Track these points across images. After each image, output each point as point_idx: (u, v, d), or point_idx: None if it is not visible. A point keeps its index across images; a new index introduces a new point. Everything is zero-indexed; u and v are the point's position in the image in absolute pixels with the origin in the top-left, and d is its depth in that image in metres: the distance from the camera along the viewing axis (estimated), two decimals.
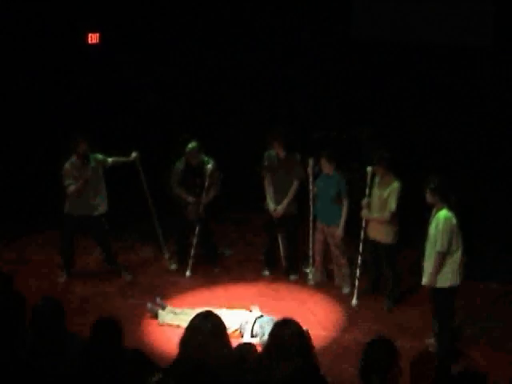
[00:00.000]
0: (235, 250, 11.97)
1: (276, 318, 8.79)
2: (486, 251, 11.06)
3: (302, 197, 10.64)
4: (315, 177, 10.41)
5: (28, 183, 12.74)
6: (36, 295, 9.21)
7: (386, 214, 9.48)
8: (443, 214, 8.14)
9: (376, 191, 9.63)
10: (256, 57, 13.68)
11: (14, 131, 12.90)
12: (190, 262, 11.01)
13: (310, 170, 10.41)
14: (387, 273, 9.83)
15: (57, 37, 13.00)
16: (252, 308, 9.39)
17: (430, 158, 12.28)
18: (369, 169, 9.67)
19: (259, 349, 5.46)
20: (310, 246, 10.61)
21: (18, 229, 12.47)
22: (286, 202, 10.59)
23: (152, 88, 14.07)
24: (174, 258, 11.36)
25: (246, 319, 9.09)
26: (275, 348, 4.86)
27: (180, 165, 10.95)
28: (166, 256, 11.48)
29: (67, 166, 10.36)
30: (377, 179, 9.66)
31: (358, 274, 9.96)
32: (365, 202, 9.69)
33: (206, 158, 10.92)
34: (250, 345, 5.54)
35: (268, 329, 8.59)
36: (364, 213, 9.74)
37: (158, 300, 9.71)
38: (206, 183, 10.84)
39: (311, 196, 10.49)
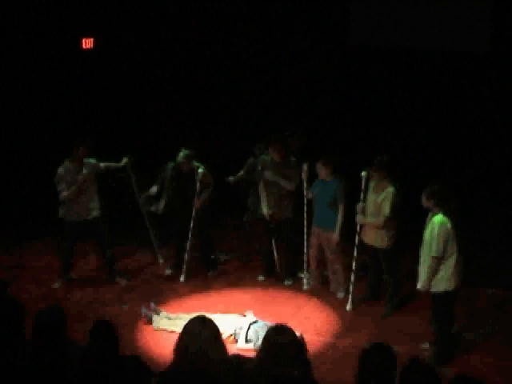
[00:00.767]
0: (233, 256, 11.95)
1: (271, 323, 8.80)
2: (486, 257, 11.03)
3: (298, 202, 10.63)
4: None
5: (26, 189, 12.72)
6: (34, 301, 9.31)
7: (380, 219, 9.46)
8: (438, 218, 8.13)
9: (371, 196, 9.61)
10: (254, 62, 13.69)
11: (11, 137, 12.89)
12: (184, 267, 10.99)
13: (304, 175, 10.40)
14: (387, 279, 9.79)
15: (51, 42, 13.00)
16: (246, 313, 9.36)
17: (427, 163, 12.27)
18: (363, 173, 9.65)
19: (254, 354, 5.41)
20: (305, 250, 10.60)
21: (16, 235, 12.45)
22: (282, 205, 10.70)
23: (146, 93, 14.05)
24: (170, 263, 11.32)
25: (241, 324, 9.06)
26: (270, 356, 4.81)
27: (169, 169, 10.89)
28: (161, 261, 11.47)
29: (61, 170, 10.32)
30: (372, 184, 9.64)
31: (352, 279, 9.94)
32: (359, 206, 9.67)
33: (197, 164, 10.86)
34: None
35: (262, 334, 8.55)
36: (358, 218, 9.72)
37: (153, 305, 9.68)
38: (197, 187, 10.79)
39: (305, 201, 10.49)
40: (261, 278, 11.08)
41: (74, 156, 10.29)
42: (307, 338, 5.35)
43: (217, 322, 8.46)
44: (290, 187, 10.55)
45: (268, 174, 10.60)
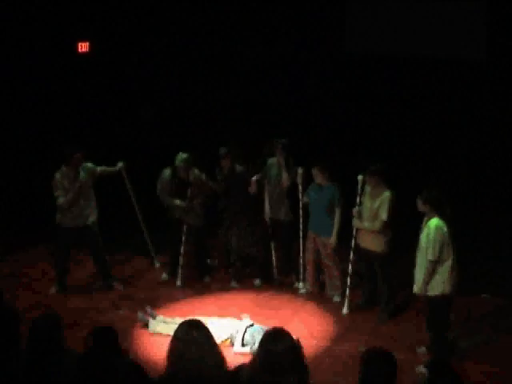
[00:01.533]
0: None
1: (267, 327, 8.80)
2: (481, 264, 11.02)
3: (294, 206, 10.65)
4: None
5: (21, 196, 12.70)
6: (29, 309, 9.29)
7: (377, 224, 9.46)
8: (434, 222, 8.14)
9: (367, 201, 9.60)
10: (250, 70, 13.70)
11: (5, 142, 12.87)
12: (180, 271, 10.99)
13: (299, 180, 10.41)
14: (381, 285, 9.79)
15: (47, 45, 12.99)
16: (243, 317, 9.36)
17: (422, 169, 12.29)
18: (360, 177, 9.64)
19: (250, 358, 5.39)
20: (301, 255, 10.60)
21: (11, 242, 12.41)
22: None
23: (142, 97, 14.05)
24: (166, 269, 11.31)
25: (237, 328, 9.06)
26: (266, 363, 4.75)
27: (167, 173, 10.84)
28: (157, 265, 11.46)
29: (57, 176, 10.28)
30: (368, 188, 9.63)
31: (348, 282, 9.94)
32: (355, 210, 9.67)
33: (196, 172, 10.85)
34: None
35: (259, 338, 8.54)
36: (355, 222, 9.71)
37: (149, 309, 9.67)
38: (189, 190, 10.78)
39: (301, 205, 10.49)
40: (257, 282, 11.07)
41: (70, 162, 10.27)
42: (303, 342, 5.32)
43: (213, 326, 8.46)
44: (287, 181, 10.53)
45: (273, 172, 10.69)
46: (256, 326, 9.09)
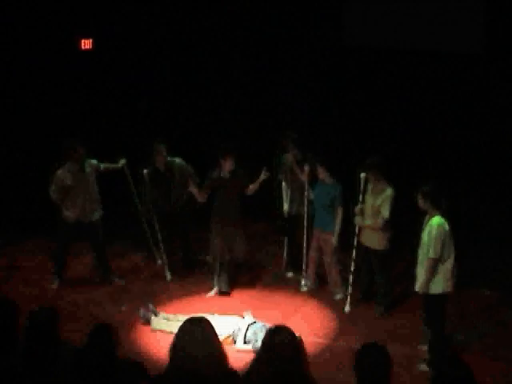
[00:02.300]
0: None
1: (269, 324, 8.82)
2: (479, 258, 11.04)
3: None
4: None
5: (19, 189, 12.71)
6: (27, 302, 9.28)
7: (379, 222, 9.48)
8: (436, 220, 8.14)
9: (369, 198, 9.63)
10: (248, 63, 13.69)
11: (6, 137, 12.89)
12: (166, 265, 11.14)
13: (305, 176, 10.43)
14: (379, 280, 9.82)
15: (50, 43, 13.00)
16: (245, 314, 9.38)
17: (422, 164, 12.28)
18: (362, 175, 9.65)
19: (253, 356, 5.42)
20: (304, 252, 10.62)
21: (9, 235, 12.44)
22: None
23: (145, 94, 14.05)
24: (165, 269, 11.30)
25: (239, 325, 9.08)
26: (267, 356, 4.82)
27: (149, 169, 11.02)
28: (159, 262, 11.47)
29: (60, 173, 10.33)
30: (370, 186, 9.66)
31: (350, 280, 9.97)
32: (358, 208, 9.69)
33: (175, 159, 11.08)
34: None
35: (261, 335, 8.61)
36: (357, 219, 9.74)
37: (151, 306, 9.68)
38: (176, 180, 10.99)
39: (306, 202, 10.51)
40: (290, 274, 11.18)
41: (72, 156, 10.29)
42: (305, 339, 5.36)
43: (215, 323, 8.47)
44: (303, 178, 10.57)
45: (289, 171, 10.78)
46: (258, 323, 9.11)
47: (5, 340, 5.56)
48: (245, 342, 8.91)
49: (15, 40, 12.76)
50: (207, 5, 13.69)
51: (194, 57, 13.86)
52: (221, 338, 8.69)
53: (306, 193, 10.53)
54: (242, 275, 11.18)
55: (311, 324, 9.55)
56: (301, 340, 5.11)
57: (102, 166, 10.72)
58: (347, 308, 9.95)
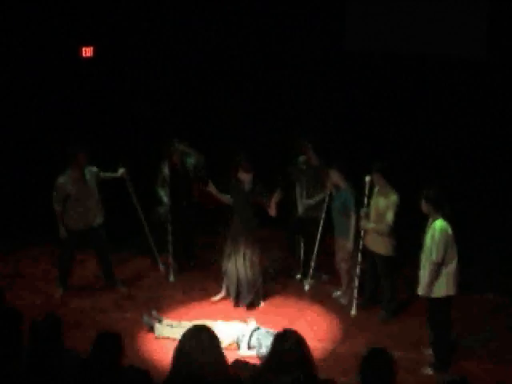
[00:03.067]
0: None
1: (273, 330, 8.83)
2: (482, 262, 11.02)
3: None
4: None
5: (23, 196, 12.71)
6: (31, 309, 9.30)
7: (383, 227, 9.46)
8: (439, 224, 8.15)
9: (374, 202, 9.62)
10: (249, 68, 13.69)
11: (9, 144, 12.91)
12: (171, 266, 11.23)
13: (329, 183, 10.39)
14: (384, 284, 9.81)
15: (50, 50, 13.01)
16: (248, 320, 9.37)
17: (424, 169, 12.26)
18: (367, 178, 9.64)
19: (257, 361, 5.43)
20: (314, 256, 10.64)
21: (12, 242, 12.43)
22: (315, 198, 10.75)
23: (146, 102, 14.05)
24: (170, 270, 11.34)
25: (243, 332, 9.07)
26: (275, 360, 4.84)
27: (164, 168, 11.21)
28: (162, 268, 11.47)
29: (61, 180, 10.33)
30: (376, 190, 9.65)
31: (356, 284, 9.95)
32: (363, 212, 9.67)
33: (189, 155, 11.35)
34: (243, 362, 5.50)
35: (265, 341, 8.64)
36: (362, 223, 9.71)
37: (154, 313, 9.67)
38: (191, 175, 11.26)
39: (325, 207, 10.50)
40: (298, 276, 11.20)
41: (73, 162, 10.31)
42: (309, 344, 5.35)
43: (219, 330, 8.50)
44: (323, 194, 10.60)
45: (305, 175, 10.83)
46: (262, 329, 9.10)
47: (9, 348, 5.56)
48: (249, 348, 8.90)
49: (16, 48, 12.77)
50: (210, 12, 13.69)
51: (195, 63, 13.85)
52: (225, 344, 8.81)
53: (326, 198, 10.48)
54: None
55: (316, 329, 9.54)
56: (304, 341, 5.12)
57: (102, 174, 10.75)
58: (353, 312, 9.93)
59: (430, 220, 8.31)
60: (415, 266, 8.61)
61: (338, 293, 10.56)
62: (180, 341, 4.92)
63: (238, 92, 13.83)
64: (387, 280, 9.74)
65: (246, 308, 10.29)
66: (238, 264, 10.32)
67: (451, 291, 8.28)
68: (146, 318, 9.58)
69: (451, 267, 8.20)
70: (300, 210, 10.99)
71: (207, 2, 13.72)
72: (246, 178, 10.17)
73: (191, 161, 11.38)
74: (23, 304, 9.76)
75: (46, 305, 10.25)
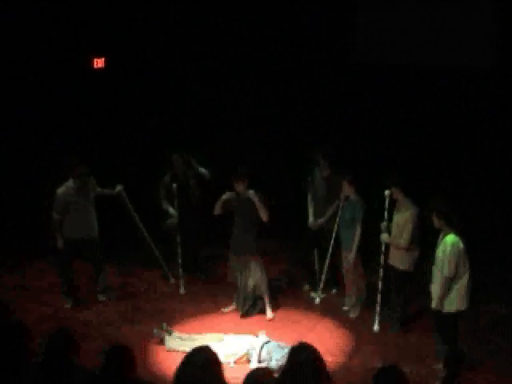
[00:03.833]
0: None
1: (283, 343, 8.81)
2: (489, 273, 10.98)
3: None
4: None
5: (28, 208, 12.72)
6: (38, 322, 9.32)
7: (401, 241, 9.40)
8: (450, 238, 8.12)
9: (395, 216, 9.57)
10: (257, 81, 13.71)
11: (18, 157, 12.94)
12: (181, 278, 11.23)
13: (342, 195, 10.36)
14: (395, 296, 9.74)
15: (62, 61, 13.07)
16: (259, 333, 9.34)
17: (433, 181, 12.24)
18: (386, 192, 9.59)
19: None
20: (325, 267, 10.63)
21: (19, 255, 12.44)
22: (326, 216, 10.73)
23: (157, 113, 14.09)
24: (180, 282, 11.34)
25: (253, 345, 9.03)
26: (291, 373, 4.84)
27: (167, 178, 11.31)
28: (172, 280, 11.47)
29: (61, 190, 10.44)
30: (397, 204, 9.61)
31: (379, 299, 9.84)
32: (383, 225, 9.62)
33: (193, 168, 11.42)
34: (264, 369, 5.47)
35: (275, 354, 8.62)
36: (383, 237, 9.63)
37: (165, 326, 9.65)
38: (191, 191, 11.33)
39: (337, 219, 10.46)
40: (306, 287, 11.18)
41: (74, 174, 10.37)
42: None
43: (229, 343, 8.49)
44: (337, 202, 10.56)
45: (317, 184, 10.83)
46: (272, 342, 9.07)
47: (17, 363, 5.53)
48: (259, 362, 8.87)
49: (28, 59, 12.83)
50: (219, 26, 13.72)
51: (205, 77, 13.87)
52: (235, 357, 8.80)
53: (338, 211, 10.44)
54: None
55: (326, 342, 9.47)
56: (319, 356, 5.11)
57: (99, 189, 10.80)
58: (376, 327, 9.83)
59: (442, 234, 8.28)
60: (425, 278, 8.59)
61: (346, 307, 10.52)
62: (181, 361, 4.94)
63: (246, 105, 13.84)
64: (397, 294, 9.67)
65: (254, 316, 10.33)
66: (244, 275, 10.33)
67: (462, 306, 8.25)
68: (156, 331, 9.56)
69: (463, 281, 8.18)
70: (310, 220, 10.94)
71: (217, 17, 13.76)
72: (240, 188, 10.17)
73: (202, 170, 11.38)
74: (30, 317, 9.77)
75: (53, 317, 10.27)
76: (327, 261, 10.63)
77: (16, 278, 11.78)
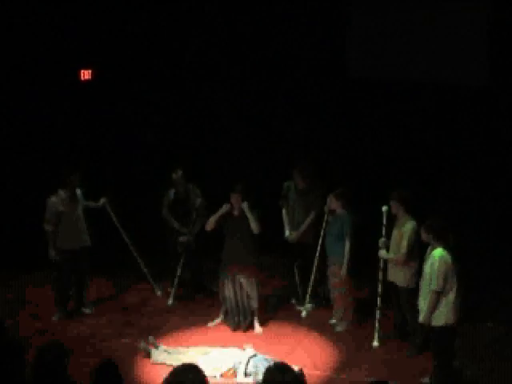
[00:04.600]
0: None
1: (270, 357, 8.78)
2: (483, 290, 10.95)
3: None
4: None
5: (25, 221, 12.63)
6: (33, 336, 9.27)
7: (399, 256, 9.36)
8: (438, 252, 8.13)
9: (394, 231, 9.54)
10: (251, 95, 13.68)
11: (7, 167, 12.88)
12: (173, 290, 11.21)
13: (326, 208, 10.38)
14: (409, 317, 9.49)
15: (49, 73, 13.01)
16: (245, 347, 9.30)
17: (427, 197, 12.23)
18: (384, 208, 9.58)
19: None
20: (310, 281, 10.60)
21: (16, 268, 12.34)
22: (301, 228, 10.78)
23: (145, 125, 14.04)
24: (171, 293, 11.31)
25: (240, 358, 9.00)
26: None
27: (171, 192, 11.32)
28: (159, 293, 11.43)
29: (52, 201, 10.44)
30: (397, 218, 9.58)
31: (377, 316, 9.77)
32: (381, 241, 9.57)
33: (192, 186, 11.30)
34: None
35: (262, 368, 8.57)
36: (381, 253, 9.58)
37: (151, 339, 9.61)
38: (194, 215, 11.12)
39: (322, 233, 10.46)
40: (293, 300, 11.16)
41: (67, 183, 10.35)
42: (306, 372, 5.31)
43: (215, 357, 8.46)
44: (311, 216, 10.70)
45: (292, 199, 10.87)
46: (259, 355, 9.04)
47: (12, 379, 5.48)
48: (246, 375, 8.83)
49: (14, 71, 12.78)
50: (212, 36, 13.69)
51: (197, 89, 13.84)
52: (222, 371, 8.76)
53: (323, 224, 10.45)
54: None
55: (313, 356, 9.47)
56: (302, 372, 5.06)
57: (85, 202, 10.79)
58: (375, 343, 9.73)
59: (430, 248, 8.28)
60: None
61: (334, 320, 10.47)
62: (166, 378, 4.88)
63: (238, 119, 13.81)
64: (410, 312, 9.36)
65: (244, 331, 10.25)
66: (233, 289, 10.29)
67: (450, 320, 8.23)
68: (142, 344, 9.52)
69: (451, 296, 8.17)
70: (286, 234, 10.94)
71: (209, 26, 13.73)
72: (234, 201, 10.20)
73: (199, 200, 11.27)
74: (25, 331, 9.78)
75: (47, 332, 10.21)
76: (312, 274, 10.61)
77: (13, 291, 11.73)
